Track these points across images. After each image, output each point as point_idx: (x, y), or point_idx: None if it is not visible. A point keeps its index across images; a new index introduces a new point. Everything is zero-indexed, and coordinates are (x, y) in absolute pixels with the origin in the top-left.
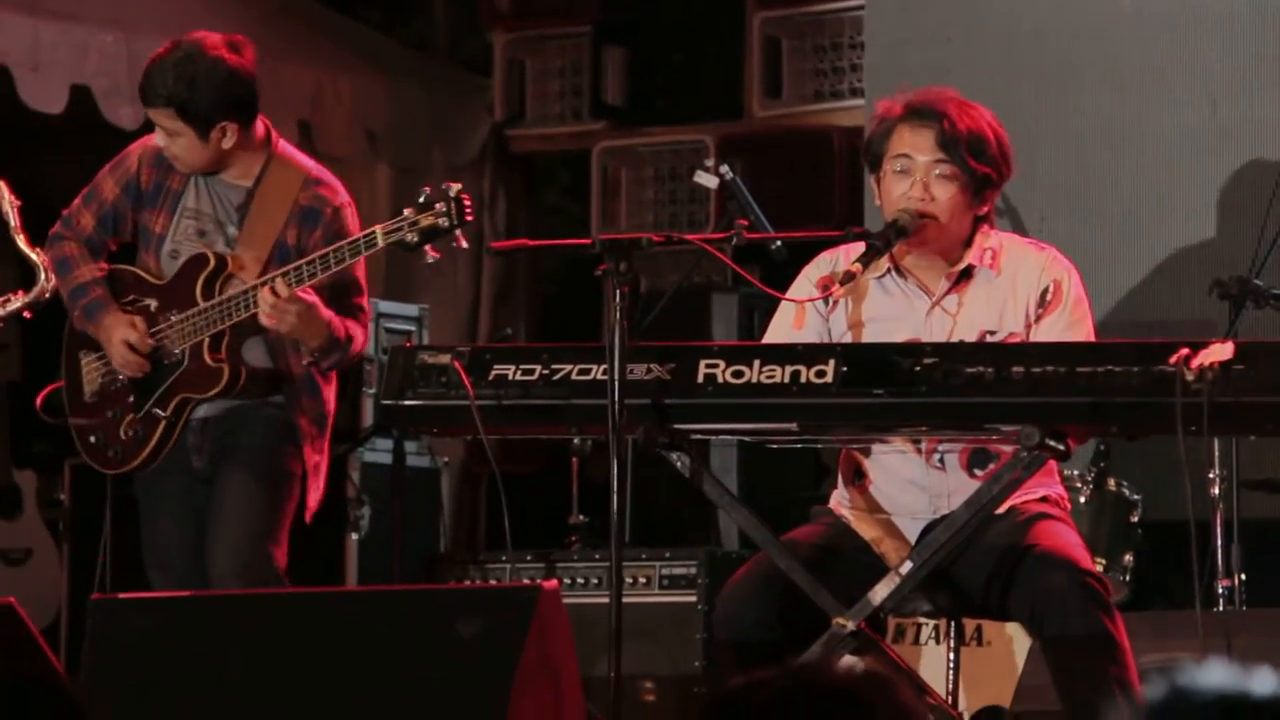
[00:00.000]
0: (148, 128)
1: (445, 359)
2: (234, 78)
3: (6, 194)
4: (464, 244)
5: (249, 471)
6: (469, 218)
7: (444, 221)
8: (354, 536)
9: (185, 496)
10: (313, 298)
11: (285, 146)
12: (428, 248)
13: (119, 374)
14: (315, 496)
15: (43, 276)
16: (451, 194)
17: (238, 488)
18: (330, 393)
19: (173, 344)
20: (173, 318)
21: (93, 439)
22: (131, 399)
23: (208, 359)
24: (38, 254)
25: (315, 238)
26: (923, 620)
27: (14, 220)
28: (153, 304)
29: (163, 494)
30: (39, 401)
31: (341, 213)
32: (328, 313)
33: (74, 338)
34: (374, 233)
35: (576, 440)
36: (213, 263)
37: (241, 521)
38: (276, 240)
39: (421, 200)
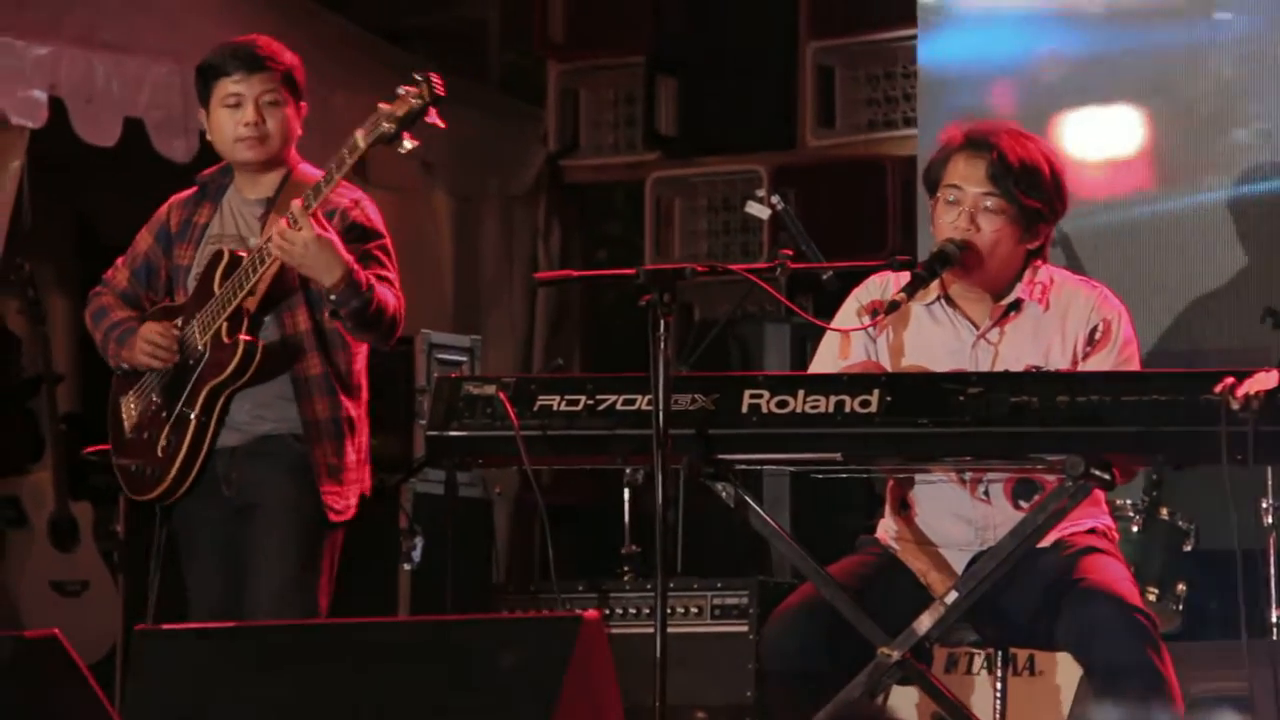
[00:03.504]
0: (199, 160)
1: (490, 390)
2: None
3: None
4: (441, 124)
5: (283, 522)
6: (441, 93)
7: (416, 102)
8: (406, 567)
9: (221, 530)
10: (326, 233)
11: (305, 166)
12: (405, 135)
13: (153, 397)
14: (340, 502)
15: None
16: (421, 76)
17: (274, 536)
18: (350, 402)
19: (196, 341)
20: (195, 318)
21: (133, 469)
22: (164, 412)
23: (225, 340)
24: None
25: (334, 225)
26: (974, 650)
27: None
28: (180, 319)
29: (198, 531)
30: (86, 450)
31: (361, 204)
32: (348, 255)
33: (115, 388)
34: (354, 137)
35: (628, 471)
36: (226, 257)
37: (282, 569)
38: None
39: (399, 92)
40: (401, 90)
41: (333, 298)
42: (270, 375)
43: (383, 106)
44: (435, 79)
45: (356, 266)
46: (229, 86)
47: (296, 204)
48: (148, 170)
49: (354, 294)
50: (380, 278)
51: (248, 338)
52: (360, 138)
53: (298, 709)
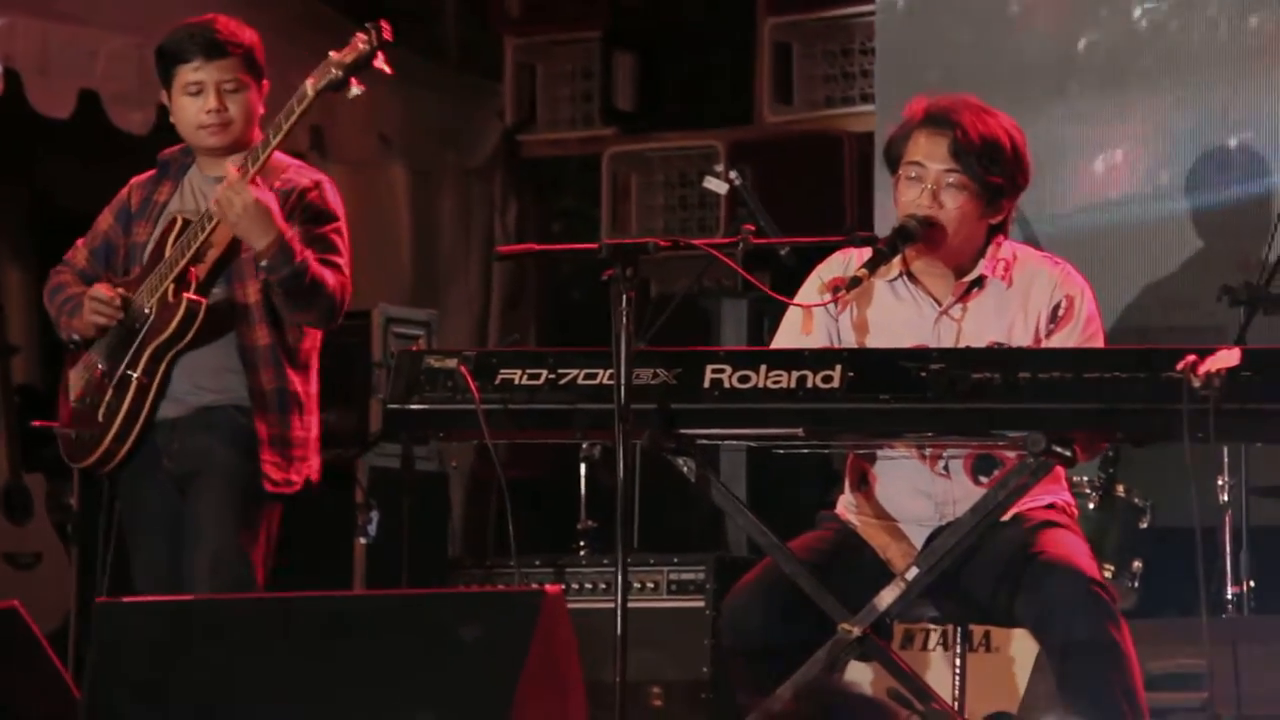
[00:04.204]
0: (156, 134)
1: (451, 363)
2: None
3: None
4: (388, 70)
5: (220, 491)
6: (388, 37)
7: (364, 48)
8: (362, 541)
9: (163, 503)
10: (269, 197)
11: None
12: (352, 81)
13: (99, 363)
14: (278, 472)
15: None
16: (370, 24)
17: (210, 506)
18: (297, 376)
19: (143, 303)
20: (144, 283)
21: (73, 435)
22: (107, 378)
23: (170, 299)
24: None
25: (291, 203)
26: (930, 626)
27: None
28: (131, 287)
29: (141, 503)
30: (35, 424)
31: (321, 186)
32: (283, 223)
33: (66, 364)
34: (304, 86)
35: (585, 445)
36: (179, 222)
37: (216, 539)
38: None
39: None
40: (350, 41)
41: (263, 263)
42: (213, 336)
43: (333, 55)
44: (384, 24)
45: (291, 235)
46: (189, 74)
47: (232, 170)
48: (104, 141)
49: (285, 262)
50: (326, 261)
51: (192, 297)
52: (309, 86)
53: (260, 682)
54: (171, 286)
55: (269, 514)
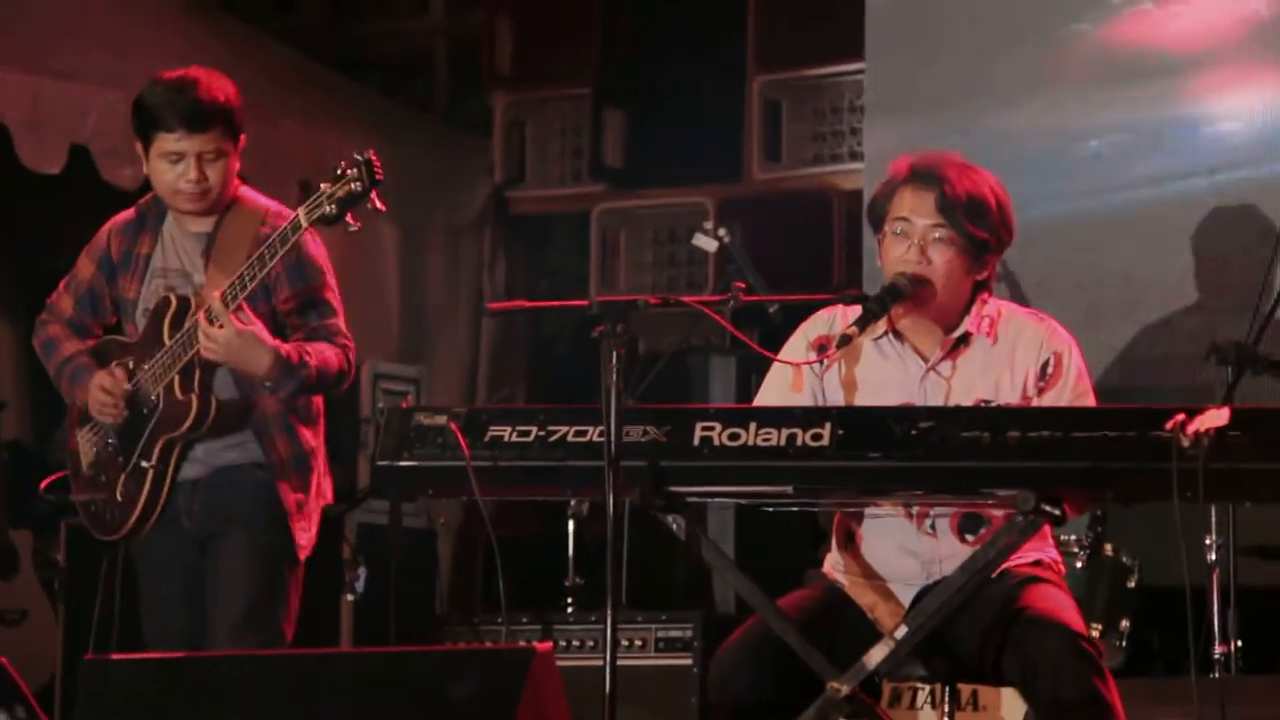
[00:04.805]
0: (146, 189)
1: (441, 420)
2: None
3: None
4: (381, 207)
5: (248, 547)
6: (379, 177)
7: (357, 186)
8: (349, 598)
9: (181, 560)
10: (247, 326)
11: (244, 190)
12: (348, 216)
13: (109, 439)
14: (305, 536)
15: None
16: (361, 158)
17: (239, 564)
18: (310, 432)
19: (149, 390)
20: (145, 366)
21: (94, 508)
22: (121, 458)
23: (178, 395)
24: None
25: (276, 267)
26: (919, 685)
27: None
28: (131, 360)
29: (160, 563)
30: (43, 485)
31: (299, 238)
32: (273, 341)
33: (72, 419)
34: (296, 216)
35: (573, 503)
36: (175, 303)
37: (247, 596)
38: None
39: (337, 172)
40: (339, 169)
41: (267, 385)
42: (228, 430)
43: (324, 187)
44: (374, 160)
45: (287, 348)
46: (169, 144)
47: (216, 299)
48: (93, 196)
49: (288, 376)
50: (321, 329)
51: (199, 398)
52: (303, 216)
53: None
54: (178, 379)
55: (296, 577)
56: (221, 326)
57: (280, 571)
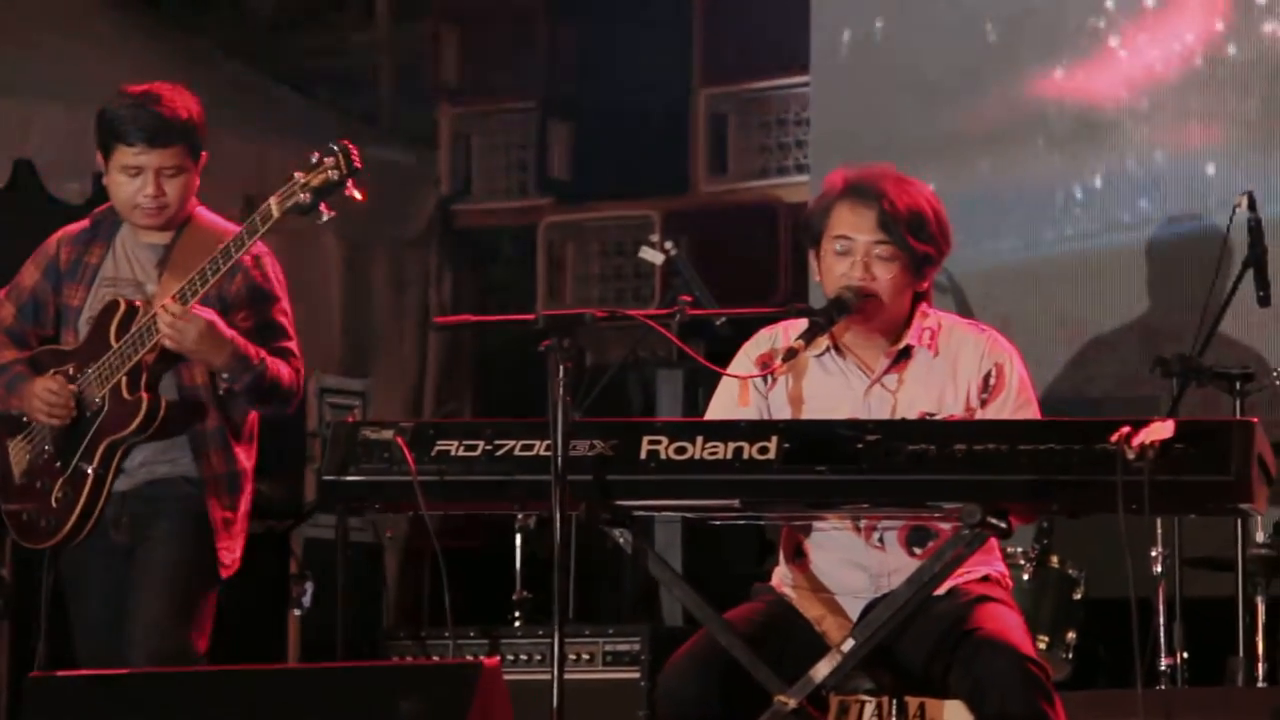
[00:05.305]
0: (94, 202)
1: (388, 434)
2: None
3: None
4: (360, 196)
5: (167, 558)
6: (358, 165)
7: (334, 174)
8: (296, 613)
9: (108, 574)
10: (210, 314)
11: (203, 210)
12: (322, 206)
13: (45, 445)
14: (229, 555)
15: None
16: (337, 146)
17: (156, 573)
18: (244, 452)
19: (93, 393)
20: (89, 370)
21: (25, 516)
22: (59, 463)
23: (125, 395)
24: None
25: (236, 285)
26: (865, 698)
27: None
28: (71, 367)
29: (86, 574)
30: None
31: (260, 260)
32: (230, 331)
33: (1, 429)
34: (268, 205)
35: (520, 516)
36: (123, 307)
37: (160, 606)
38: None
39: (312, 160)
40: (315, 159)
41: (225, 376)
42: (171, 433)
43: (298, 175)
44: (352, 150)
45: (242, 342)
46: (130, 157)
47: (173, 303)
48: (39, 211)
49: (245, 369)
50: (276, 350)
51: (149, 398)
52: (275, 205)
53: None
54: (125, 380)
55: (214, 595)
56: (181, 315)
57: (197, 586)
